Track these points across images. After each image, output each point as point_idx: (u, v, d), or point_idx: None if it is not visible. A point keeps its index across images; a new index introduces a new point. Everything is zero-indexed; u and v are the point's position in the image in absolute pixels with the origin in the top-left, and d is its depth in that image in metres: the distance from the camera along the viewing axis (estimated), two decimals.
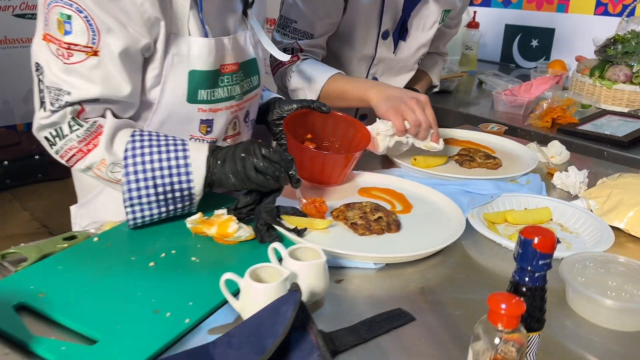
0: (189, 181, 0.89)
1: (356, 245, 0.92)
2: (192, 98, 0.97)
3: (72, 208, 1.11)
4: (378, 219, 0.97)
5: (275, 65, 1.44)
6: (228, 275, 0.72)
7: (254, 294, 0.70)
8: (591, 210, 1.05)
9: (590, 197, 1.08)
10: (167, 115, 0.98)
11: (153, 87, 0.95)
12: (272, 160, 0.89)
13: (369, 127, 1.22)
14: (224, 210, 0.93)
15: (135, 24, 0.87)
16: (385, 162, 1.33)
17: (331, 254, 0.87)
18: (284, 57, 1.13)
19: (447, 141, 1.41)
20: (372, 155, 1.25)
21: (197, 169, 0.90)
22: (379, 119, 1.21)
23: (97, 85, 0.88)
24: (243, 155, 0.89)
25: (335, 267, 0.87)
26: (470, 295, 0.82)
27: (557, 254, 0.91)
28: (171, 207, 0.92)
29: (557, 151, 1.38)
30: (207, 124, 1.02)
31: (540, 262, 0.57)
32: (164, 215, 0.93)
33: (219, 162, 0.90)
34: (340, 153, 1.17)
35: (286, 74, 1.40)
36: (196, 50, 0.94)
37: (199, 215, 0.90)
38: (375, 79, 1.59)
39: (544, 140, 1.53)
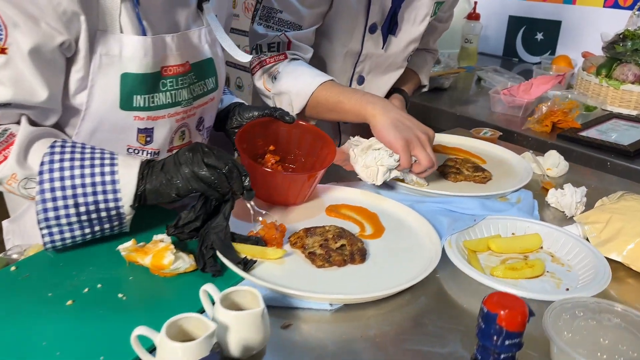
0: (116, 200, 0.78)
1: (312, 280, 0.80)
2: (126, 104, 0.85)
3: (4, 223, 1.00)
4: (340, 247, 0.85)
5: (257, 63, 1.27)
6: (141, 330, 0.60)
7: (170, 354, 0.58)
8: (587, 239, 0.93)
9: (587, 221, 0.95)
10: (98, 123, 0.86)
11: (79, 91, 0.83)
12: (222, 157, 0.78)
13: (344, 145, 1.09)
14: (163, 236, 0.81)
15: (49, 18, 0.74)
16: None
17: (280, 293, 0.75)
18: (245, 58, 1.01)
19: (434, 148, 1.28)
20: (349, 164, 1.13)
21: (126, 186, 0.78)
22: (382, 145, 1.06)
23: (6, 87, 0.77)
24: (188, 153, 0.78)
25: (284, 308, 0.75)
26: (438, 349, 0.70)
27: (544, 296, 0.79)
28: (97, 228, 0.81)
29: (554, 162, 1.25)
30: (146, 134, 0.89)
31: (506, 343, 0.46)
32: (89, 236, 0.81)
33: (156, 168, 0.79)
34: (299, 172, 1.04)
35: (270, 74, 1.25)
36: (129, 51, 0.82)
37: (131, 242, 0.79)
38: (362, 77, 1.46)
39: (542, 147, 1.40)
